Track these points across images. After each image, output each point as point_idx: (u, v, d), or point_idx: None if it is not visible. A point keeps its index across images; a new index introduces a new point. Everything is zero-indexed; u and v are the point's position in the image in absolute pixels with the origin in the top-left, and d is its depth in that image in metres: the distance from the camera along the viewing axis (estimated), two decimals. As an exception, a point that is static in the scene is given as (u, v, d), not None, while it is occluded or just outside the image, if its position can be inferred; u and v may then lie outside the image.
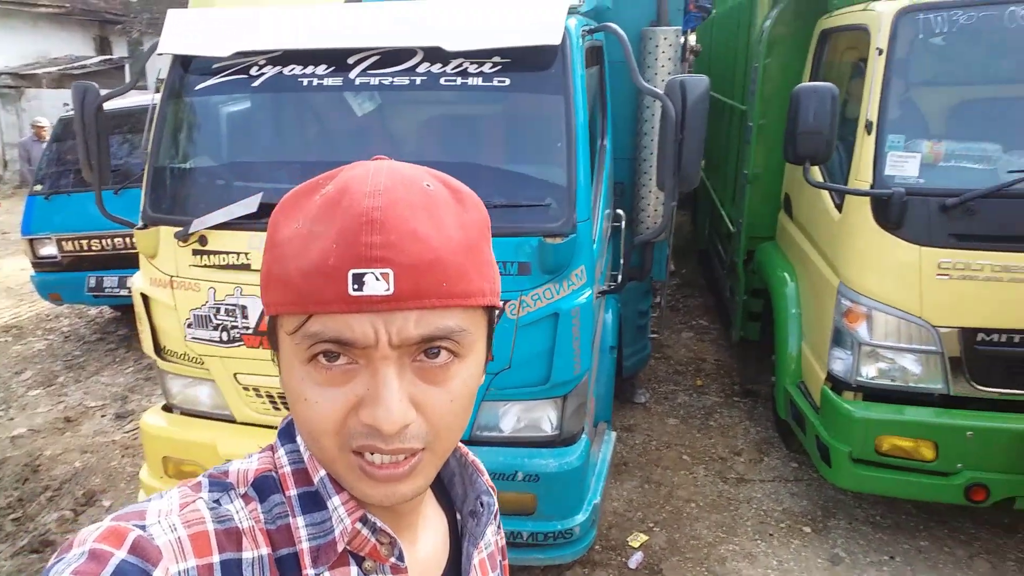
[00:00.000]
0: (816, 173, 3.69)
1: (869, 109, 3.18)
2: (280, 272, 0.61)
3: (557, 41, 2.63)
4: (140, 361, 5.71)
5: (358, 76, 2.78)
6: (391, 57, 2.78)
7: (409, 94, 2.82)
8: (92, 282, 5.67)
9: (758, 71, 4.57)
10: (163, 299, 2.84)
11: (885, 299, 3.13)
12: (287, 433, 0.72)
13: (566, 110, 2.74)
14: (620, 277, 3.60)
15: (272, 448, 0.72)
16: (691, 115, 2.75)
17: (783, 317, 4.02)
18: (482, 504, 0.78)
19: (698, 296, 6.97)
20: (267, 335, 0.68)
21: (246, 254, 2.72)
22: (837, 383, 3.34)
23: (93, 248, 5.58)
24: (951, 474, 3.16)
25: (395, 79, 2.77)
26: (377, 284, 0.57)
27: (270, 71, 2.83)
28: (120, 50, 17.75)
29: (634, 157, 4.07)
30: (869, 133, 3.17)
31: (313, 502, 0.67)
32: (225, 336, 2.79)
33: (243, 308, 2.74)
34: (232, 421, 2.95)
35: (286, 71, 2.82)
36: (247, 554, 0.63)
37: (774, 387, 4.20)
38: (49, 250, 5.64)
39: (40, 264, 5.73)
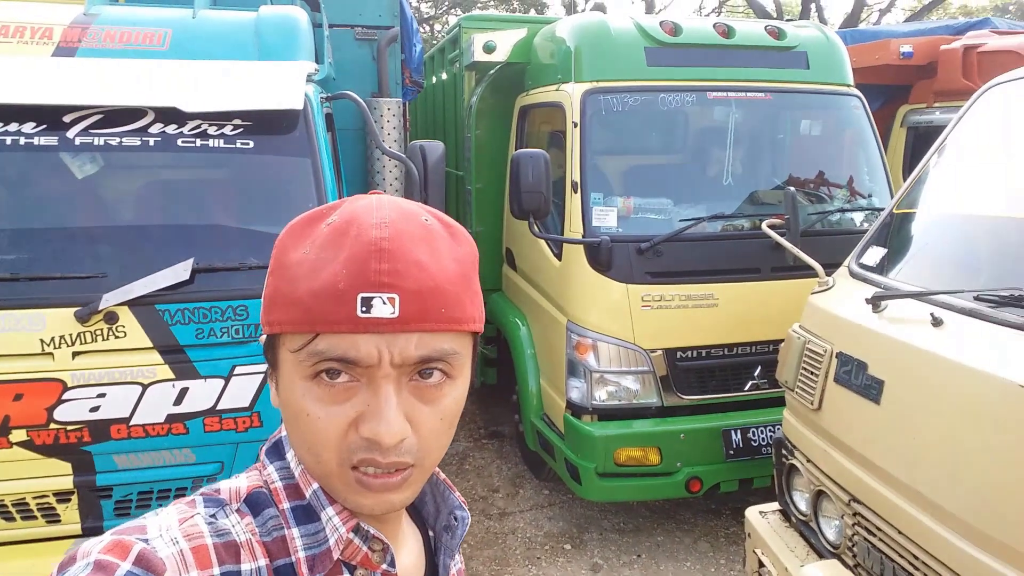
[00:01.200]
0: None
1: (573, 171, 3.73)
2: (288, 292, 0.64)
3: (299, 106, 2.70)
4: None
5: (78, 135, 2.55)
6: (116, 117, 2.60)
7: (142, 155, 2.66)
8: None
9: (471, 140, 5.06)
10: None
11: (605, 331, 3.64)
12: (275, 451, 0.74)
13: (314, 171, 2.80)
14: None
15: (260, 466, 0.73)
16: (432, 175, 2.99)
17: (521, 358, 4.41)
18: (456, 518, 0.82)
19: (434, 352, 7.24)
20: (264, 353, 0.71)
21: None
22: (576, 409, 3.76)
23: None
24: (673, 473, 3.72)
25: (124, 139, 2.59)
26: (384, 307, 0.62)
27: (-38, 129, 2.47)
28: None
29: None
30: (576, 191, 3.71)
31: (306, 514, 0.70)
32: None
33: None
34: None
35: (-16, 129, 2.48)
36: (246, 566, 0.65)
37: (519, 424, 4.55)
38: None
39: None
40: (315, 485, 0.71)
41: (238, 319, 2.55)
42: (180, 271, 2.49)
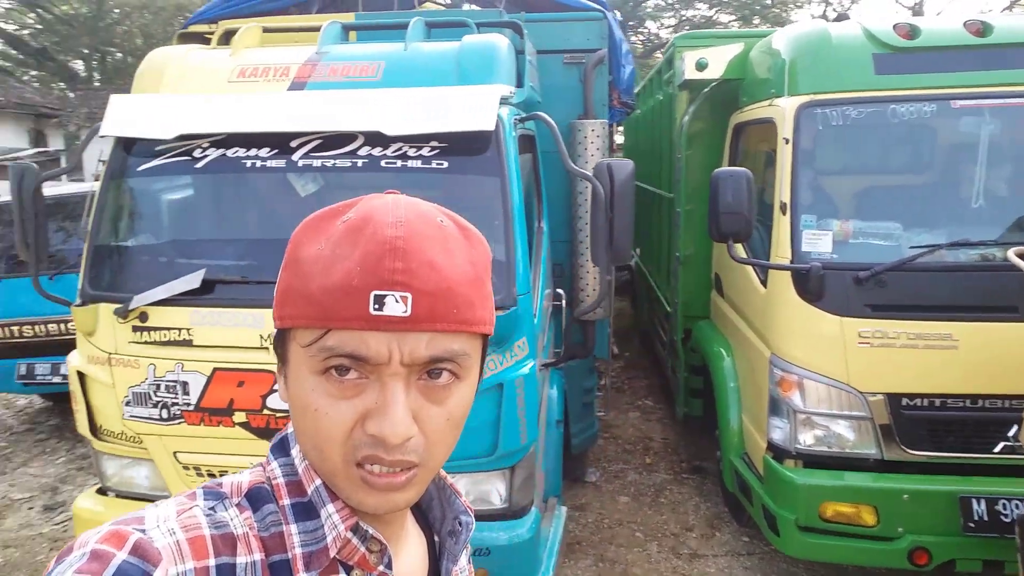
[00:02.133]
0: (740, 251, 3.91)
1: (782, 191, 3.42)
2: (301, 287, 0.65)
3: (491, 127, 2.79)
4: (73, 450, 5.45)
5: (300, 158, 2.87)
6: (333, 141, 2.89)
7: (351, 176, 2.92)
8: (23, 369, 5.46)
9: (681, 162, 4.88)
10: (100, 377, 2.77)
11: (813, 367, 3.27)
12: (280, 448, 0.74)
13: (503, 190, 2.87)
14: (562, 352, 3.69)
15: (265, 463, 0.74)
16: (619, 194, 2.91)
17: (723, 391, 4.13)
18: (460, 523, 0.81)
19: (643, 377, 7.08)
20: (274, 347, 0.71)
21: (188, 330, 2.69)
22: (778, 452, 3.42)
23: (25, 334, 5.39)
24: (894, 539, 3.22)
25: (337, 161, 2.87)
26: (396, 306, 0.62)
27: (214, 153, 2.90)
28: (56, 143, 17.66)
29: (570, 239, 4.24)
30: (784, 213, 3.39)
31: (306, 511, 0.70)
32: (165, 413, 2.72)
33: (184, 384, 2.69)
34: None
35: (229, 153, 2.89)
36: (241, 559, 0.65)
37: (720, 461, 4.25)
38: (-2, 333, 5.43)
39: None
40: (318, 481, 0.70)
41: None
42: (193, 279, 2.71)
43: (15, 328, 5.37)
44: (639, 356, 7.68)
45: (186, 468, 2.77)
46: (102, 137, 2.95)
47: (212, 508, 0.67)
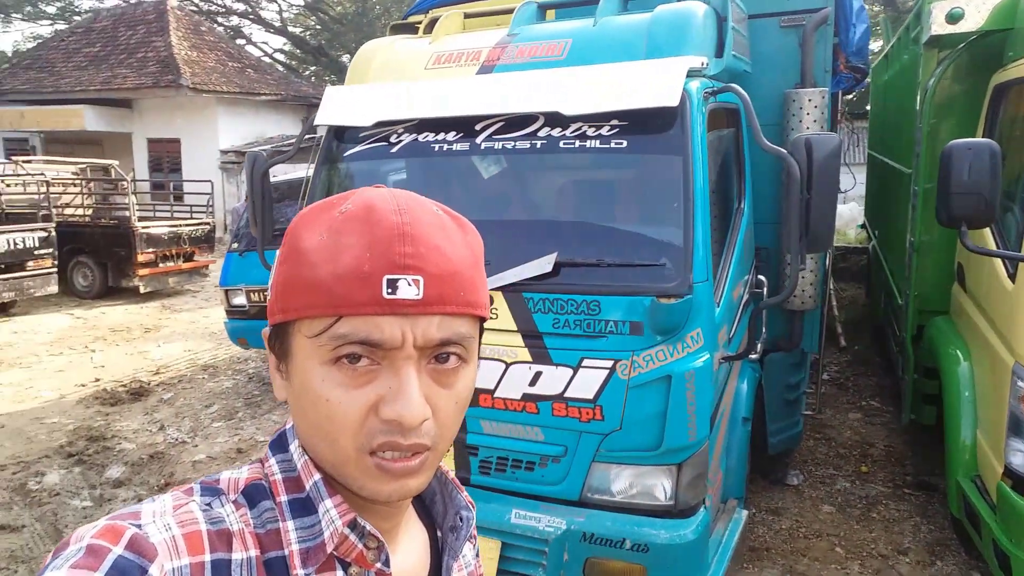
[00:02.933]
0: (986, 239, 3.30)
1: (1047, 165, 2.82)
2: (308, 277, 0.65)
3: (674, 103, 2.63)
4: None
5: (483, 141, 2.95)
6: (515, 123, 2.92)
7: (530, 157, 2.94)
8: (272, 330, 6.34)
9: (922, 132, 4.22)
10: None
11: (1072, 382, 2.68)
12: (279, 444, 0.75)
13: (684, 170, 2.70)
14: (759, 345, 3.42)
15: (263, 459, 0.76)
16: (819, 173, 2.60)
17: (955, 400, 3.56)
18: (461, 519, 0.81)
19: (871, 375, 6.35)
20: (269, 344, 0.72)
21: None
22: (1017, 480, 2.87)
23: (277, 299, 6.26)
24: None
25: (517, 143, 2.90)
26: (409, 289, 0.63)
27: (407, 138, 3.08)
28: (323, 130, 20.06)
29: (778, 221, 3.88)
30: (1046, 192, 2.79)
31: (303, 507, 0.70)
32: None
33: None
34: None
35: (420, 138, 3.05)
36: (237, 555, 0.66)
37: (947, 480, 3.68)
38: (239, 300, 6.37)
39: (232, 312, 6.48)
40: (317, 476, 0.70)
41: (591, 314, 2.64)
42: (544, 263, 2.69)
43: (268, 293, 6.23)
44: (869, 351, 6.89)
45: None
46: (316, 126, 3.27)
47: (208, 504, 0.68)
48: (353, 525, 0.69)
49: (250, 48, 25.01)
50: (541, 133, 2.88)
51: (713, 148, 3.17)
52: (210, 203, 12.53)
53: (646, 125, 2.78)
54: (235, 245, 6.61)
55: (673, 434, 2.58)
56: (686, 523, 2.65)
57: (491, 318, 2.74)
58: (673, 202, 2.72)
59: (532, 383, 2.70)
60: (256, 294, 6.29)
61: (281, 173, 6.84)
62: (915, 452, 4.75)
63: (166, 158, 17.68)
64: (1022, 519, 2.79)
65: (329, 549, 0.69)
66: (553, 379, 2.68)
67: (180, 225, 11.25)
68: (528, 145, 2.88)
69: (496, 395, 2.75)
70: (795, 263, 2.71)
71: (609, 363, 2.61)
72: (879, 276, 6.59)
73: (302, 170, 5.98)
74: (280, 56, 28.27)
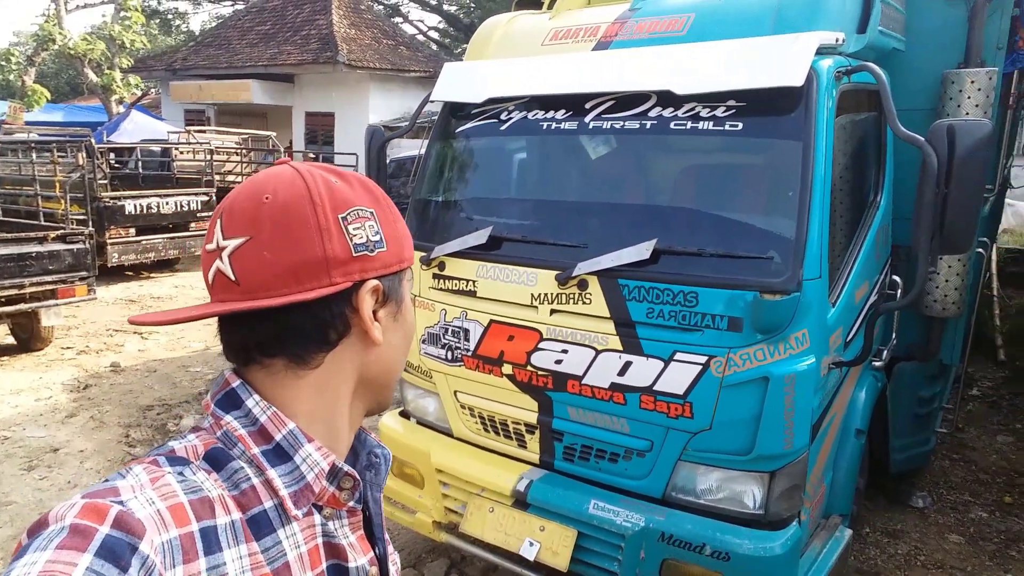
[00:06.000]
0: None
1: None
2: (407, 233, 0.81)
3: (799, 83, 2.42)
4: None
5: (592, 120, 2.86)
6: (626, 102, 2.81)
7: (639, 138, 2.82)
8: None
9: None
10: (409, 315, 3.20)
11: None
12: (229, 402, 0.75)
13: (804, 157, 2.49)
14: (885, 352, 3.13)
15: (213, 421, 0.75)
16: (960, 166, 2.31)
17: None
18: (376, 455, 0.87)
19: (1032, 395, 5.65)
20: (380, 296, 0.78)
21: (474, 281, 2.93)
22: None
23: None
24: None
25: (626, 123, 2.79)
26: None
27: (517, 116, 3.06)
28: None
29: (921, 218, 3.50)
30: None
31: (278, 456, 0.73)
32: (450, 355, 3.02)
33: (466, 331, 2.95)
34: (449, 435, 3.17)
35: (530, 116, 3.01)
36: (221, 520, 0.67)
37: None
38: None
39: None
40: (291, 425, 0.73)
41: (688, 306, 2.51)
42: (643, 250, 2.58)
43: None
44: (1034, 368, 6.13)
45: (463, 407, 3.06)
46: (432, 102, 3.32)
47: (181, 473, 0.68)
48: (332, 468, 0.75)
49: (405, 26, 25.93)
50: (652, 113, 2.75)
51: (846, 133, 2.91)
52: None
53: (766, 106, 2.59)
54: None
55: (767, 440, 2.42)
56: (775, 536, 2.48)
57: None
58: (788, 191, 2.51)
59: (621, 373, 2.62)
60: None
61: (408, 149, 7.05)
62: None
63: (321, 131, 18.77)
64: None
65: (317, 489, 0.73)
66: (643, 371, 2.57)
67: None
68: (637, 125, 2.76)
69: (584, 382, 2.68)
70: (923, 264, 2.43)
71: (703, 359, 2.48)
72: (1053, 285, 5.81)
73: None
74: (434, 34, 29.10)
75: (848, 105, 2.84)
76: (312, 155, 18.13)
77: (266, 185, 0.73)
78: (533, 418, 2.85)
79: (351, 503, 0.77)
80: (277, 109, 19.07)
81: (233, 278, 0.71)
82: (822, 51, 2.57)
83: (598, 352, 2.65)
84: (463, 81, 3.21)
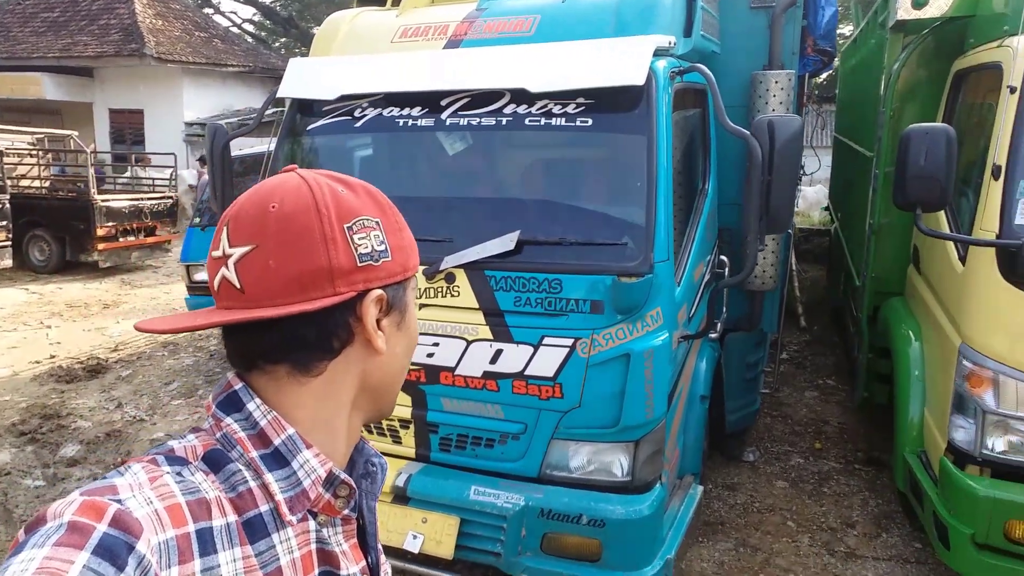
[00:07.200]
0: (940, 222, 3.39)
1: (997, 152, 2.89)
2: (413, 242, 0.81)
3: (640, 82, 2.63)
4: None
5: (449, 117, 2.92)
6: (481, 99, 2.90)
7: (495, 134, 2.92)
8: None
9: (884, 116, 4.29)
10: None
11: (1014, 362, 2.78)
12: (231, 404, 0.75)
13: (648, 150, 2.72)
14: (719, 325, 3.47)
15: (213, 423, 0.75)
16: (780, 156, 2.64)
17: (905, 378, 3.66)
18: (373, 464, 0.87)
19: (828, 355, 6.50)
20: (385, 305, 0.77)
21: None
22: (959, 455, 2.98)
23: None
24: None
25: (482, 119, 2.88)
26: None
27: (371, 113, 3.05)
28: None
29: (742, 203, 3.92)
30: (996, 178, 2.87)
31: (275, 460, 0.73)
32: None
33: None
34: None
35: (385, 113, 3.02)
36: (217, 522, 0.67)
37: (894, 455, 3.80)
38: (201, 276, 6.26)
39: (194, 288, 6.38)
40: (290, 431, 0.73)
41: (552, 292, 2.65)
42: (507, 241, 2.69)
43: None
44: (828, 332, 7.05)
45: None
46: (279, 98, 3.21)
47: (179, 474, 0.68)
48: (328, 476, 0.75)
49: (218, 18, 24.37)
50: (507, 110, 2.86)
51: (679, 128, 3.19)
52: (173, 176, 12.25)
53: (612, 104, 2.79)
54: (197, 220, 6.49)
55: (631, 411, 2.62)
56: (642, 499, 2.70)
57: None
58: (636, 181, 2.73)
59: (493, 361, 2.72)
60: (219, 269, 6.17)
61: (248, 147, 6.73)
62: (867, 430, 4.88)
63: (129, 129, 17.22)
64: (960, 491, 2.90)
65: (313, 495, 0.74)
66: (514, 357, 2.69)
67: (142, 198, 10.99)
68: (493, 121, 2.87)
69: (457, 372, 2.76)
70: (754, 244, 2.75)
71: (570, 341, 2.64)
72: (840, 258, 6.72)
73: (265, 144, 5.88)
74: (249, 27, 27.57)
75: (680, 103, 3.12)
76: (118, 156, 16.57)
77: (273, 193, 0.73)
78: (407, 413, 2.88)
79: (346, 511, 0.78)
80: (74, 106, 17.21)
81: (238, 286, 0.71)
82: (658, 53, 2.81)
83: (469, 343, 2.73)
84: (312, 77, 3.14)
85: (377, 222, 0.76)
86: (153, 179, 12.49)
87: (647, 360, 2.60)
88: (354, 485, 0.77)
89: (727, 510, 3.99)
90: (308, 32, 25.64)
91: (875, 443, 4.67)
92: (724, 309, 3.68)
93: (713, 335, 3.47)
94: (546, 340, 2.66)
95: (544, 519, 2.68)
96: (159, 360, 6.81)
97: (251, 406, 0.74)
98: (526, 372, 2.68)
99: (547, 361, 2.66)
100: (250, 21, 27.93)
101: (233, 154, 3.40)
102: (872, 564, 3.51)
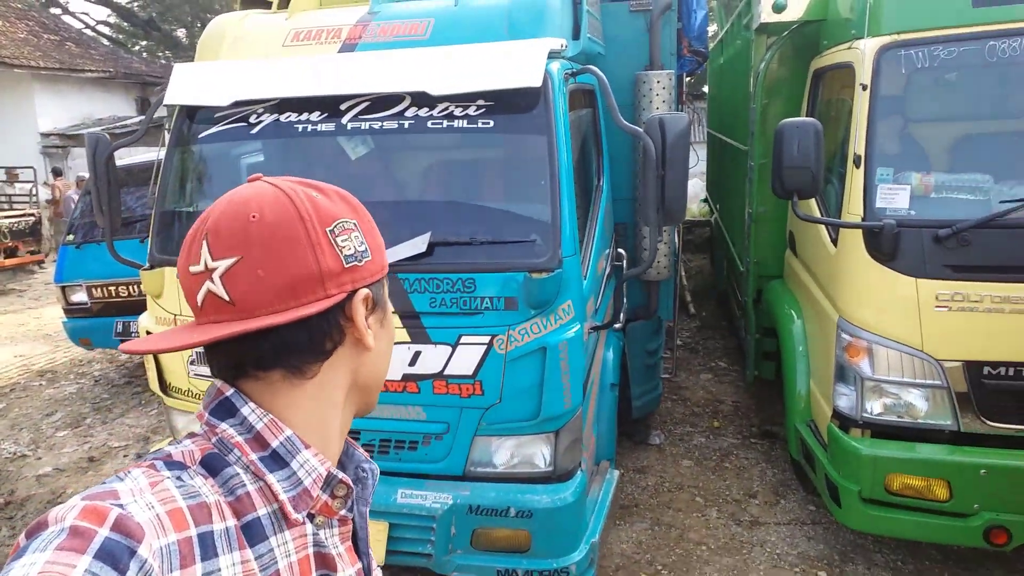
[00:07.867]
0: (812, 208, 3.69)
1: (856, 143, 3.19)
2: (382, 242, 0.83)
3: (537, 83, 2.71)
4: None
5: (349, 121, 2.90)
6: (381, 103, 2.89)
7: (398, 137, 2.92)
8: (119, 327, 5.80)
9: (756, 112, 4.62)
10: (165, 338, 2.93)
11: (884, 332, 3.08)
12: (224, 410, 0.75)
13: (549, 149, 2.80)
14: (622, 315, 3.62)
15: (207, 429, 0.75)
16: (672, 151, 2.79)
17: (790, 354, 3.96)
18: (364, 470, 0.88)
19: (718, 338, 6.90)
20: (366, 303, 0.79)
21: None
22: (843, 420, 3.26)
23: (121, 294, 5.74)
24: (968, 515, 3.04)
25: (384, 123, 2.87)
26: None
27: (268, 119, 2.97)
28: (161, 111, 18.61)
29: (634, 197, 4.12)
30: (858, 167, 3.17)
31: (275, 462, 0.74)
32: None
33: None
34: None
35: (283, 118, 2.95)
36: (217, 526, 0.67)
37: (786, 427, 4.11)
38: (79, 297, 5.84)
39: (71, 310, 5.93)
40: (288, 432, 0.75)
41: (467, 291, 2.69)
42: (419, 243, 2.70)
43: (112, 288, 5.74)
44: (716, 317, 7.47)
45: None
46: (166, 105, 3.06)
47: (179, 478, 0.68)
48: (327, 476, 0.76)
49: (67, 19, 22.61)
50: (408, 113, 2.87)
51: (574, 128, 3.30)
52: (33, 192, 11.29)
53: (511, 105, 2.85)
54: (70, 237, 6.03)
55: (550, 403, 2.70)
56: (565, 487, 2.79)
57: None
58: (540, 180, 2.81)
59: (412, 363, 2.72)
60: (99, 289, 5.77)
61: (125, 156, 6.30)
62: (760, 405, 5.23)
63: (-28, 142, 15.70)
64: (847, 453, 3.19)
65: (315, 494, 0.75)
66: (432, 358, 2.71)
67: (-2, 217, 10.09)
68: (396, 125, 2.87)
69: (375, 377, 2.73)
70: (653, 236, 2.90)
71: (486, 339, 2.68)
72: (722, 246, 7.14)
73: (142, 154, 5.56)
74: (105, 29, 25.76)
75: (573, 103, 3.23)
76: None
77: (249, 204, 0.73)
78: (326, 423, 2.82)
79: (343, 511, 0.79)
80: (-96, 118, 15.48)
81: (227, 298, 0.71)
82: (551, 55, 2.91)
83: (386, 347, 2.72)
84: (201, 83, 3.02)
85: (355, 223, 0.79)
86: (10, 195, 11.44)
87: (562, 352, 2.69)
88: (352, 484, 0.79)
89: (639, 492, 4.17)
90: (172, 35, 24.31)
91: (768, 417, 5.01)
92: (625, 300, 3.85)
93: (618, 325, 3.62)
94: (463, 339, 2.69)
95: (473, 515, 2.71)
96: (36, 390, 6.28)
97: (245, 410, 0.75)
98: (445, 372, 2.70)
99: (466, 360, 2.69)
100: (105, 23, 26.08)
101: (120, 164, 3.21)
102: (774, 529, 3.78)
